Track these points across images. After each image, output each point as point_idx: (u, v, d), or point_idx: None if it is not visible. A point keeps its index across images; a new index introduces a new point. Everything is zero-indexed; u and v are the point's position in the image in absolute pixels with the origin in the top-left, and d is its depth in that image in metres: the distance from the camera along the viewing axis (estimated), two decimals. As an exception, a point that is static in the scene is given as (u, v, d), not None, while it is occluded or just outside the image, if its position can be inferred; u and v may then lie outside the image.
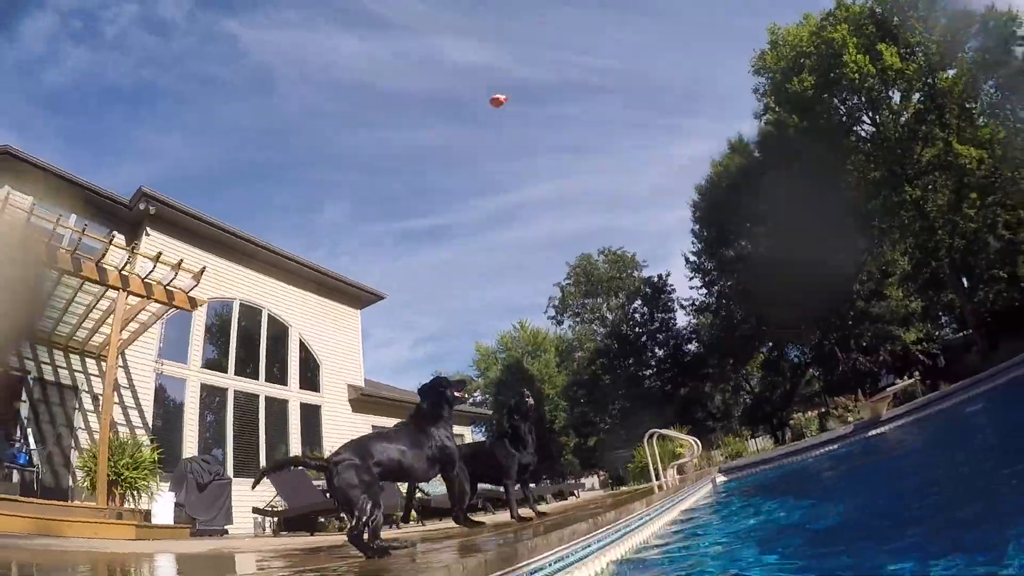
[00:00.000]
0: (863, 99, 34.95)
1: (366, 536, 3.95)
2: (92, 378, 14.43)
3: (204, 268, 13.05)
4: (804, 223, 39.97)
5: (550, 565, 4.64)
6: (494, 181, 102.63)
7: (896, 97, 34.55)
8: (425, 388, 5.63)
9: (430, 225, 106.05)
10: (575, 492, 19.86)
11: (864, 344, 39.76)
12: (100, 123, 63.01)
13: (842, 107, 35.94)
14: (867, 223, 36.03)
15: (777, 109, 37.32)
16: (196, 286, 12.90)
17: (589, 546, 5.41)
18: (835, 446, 20.69)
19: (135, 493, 11.83)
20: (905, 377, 29.21)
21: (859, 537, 6.00)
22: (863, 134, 36.54)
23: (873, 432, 20.23)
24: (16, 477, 11.74)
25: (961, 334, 38.50)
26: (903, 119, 34.23)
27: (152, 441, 13.36)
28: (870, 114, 35.62)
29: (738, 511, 11.88)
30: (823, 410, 30.51)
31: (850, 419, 24.15)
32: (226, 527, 13.07)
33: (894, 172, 33.80)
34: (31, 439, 12.76)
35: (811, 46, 34.75)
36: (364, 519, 3.96)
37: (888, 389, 24.58)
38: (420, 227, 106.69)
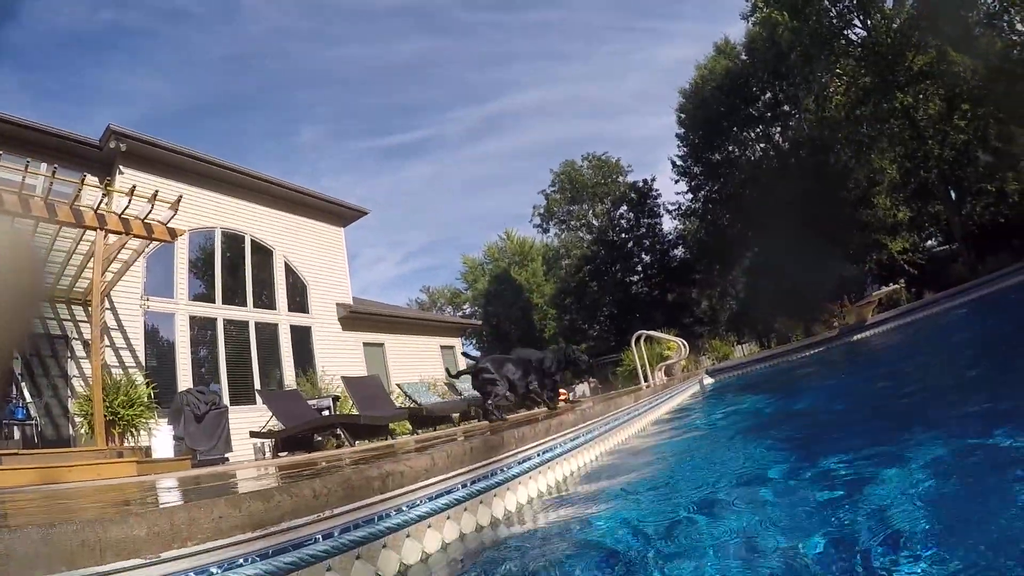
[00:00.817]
0: (855, 1, 34.20)
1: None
2: (81, 325, 14.32)
3: (181, 196, 12.88)
4: (791, 128, 39.98)
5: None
6: (474, 91, 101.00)
7: (889, 1, 33.86)
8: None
9: (412, 139, 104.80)
10: (568, 396, 20.09)
11: (851, 252, 39.80)
12: (66, 73, 61.11)
13: (833, 9, 35.03)
14: (856, 130, 35.74)
15: (766, 9, 36.06)
16: (174, 215, 12.75)
17: (576, 438, 5.57)
18: (820, 348, 21.15)
19: (134, 431, 11.95)
20: (891, 284, 29.60)
21: (836, 426, 6.20)
22: (854, 38, 35.75)
23: (858, 336, 20.67)
24: (17, 433, 11.82)
25: (947, 246, 38.37)
26: (896, 24, 33.46)
27: (146, 378, 13.44)
28: (862, 17, 34.85)
29: (724, 408, 12.13)
30: (809, 317, 30.83)
31: (836, 324, 24.50)
32: (226, 455, 13.21)
33: (885, 79, 33.17)
34: (26, 393, 12.82)
35: None
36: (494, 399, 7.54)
37: (873, 294, 24.95)
38: (402, 142, 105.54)
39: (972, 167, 33.14)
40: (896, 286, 27.72)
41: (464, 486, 3.44)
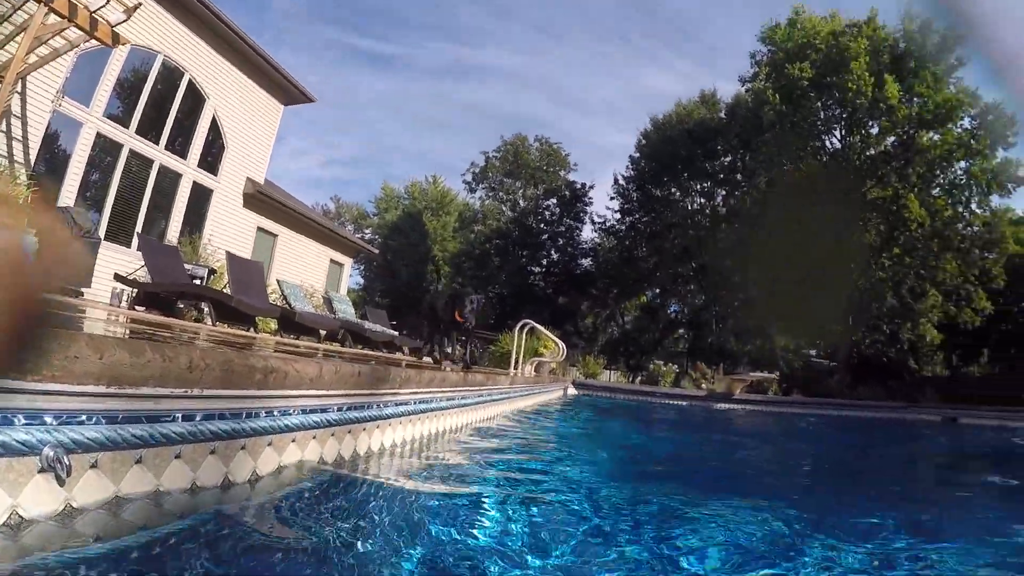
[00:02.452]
0: (844, 114, 35.06)
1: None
2: (-20, 97, 13.28)
3: (140, 3, 12.11)
4: (738, 195, 40.76)
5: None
6: (462, 32, 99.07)
7: (875, 130, 34.68)
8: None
9: (382, 51, 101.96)
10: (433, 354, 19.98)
11: (739, 330, 41.09)
12: None
13: (822, 112, 35.96)
14: (793, 219, 36.57)
15: (765, 84, 36.81)
16: (125, 21, 11.96)
17: (453, 399, 5.35)
18: (683, 402, 21.69)
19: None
20: (766, 372, 30.58)
21: (666, 475, 6.24)
22: (828, 146, 37.05)
23: (721, 404, 21.23)
24: None
25: (827, 361, 39.75)
26: (869, 152, 34.78)
27: (30, 179, 12.55)
28: (844, 131, 35.96)
29: (580, 419, 12.18)
30: (683, 369, 31.54)
31: (704, 385, 25.12)
32: (82, 289, 12.49)
33: (838, 193, 34.17)
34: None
35: (825, 43, 34.24)
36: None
37: (750, 374, 25.77)
38: (371, 49, 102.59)
39: (879, 303, 34.37)
40: (771, 376, 28.65)
41: (339, 409, 3.15)
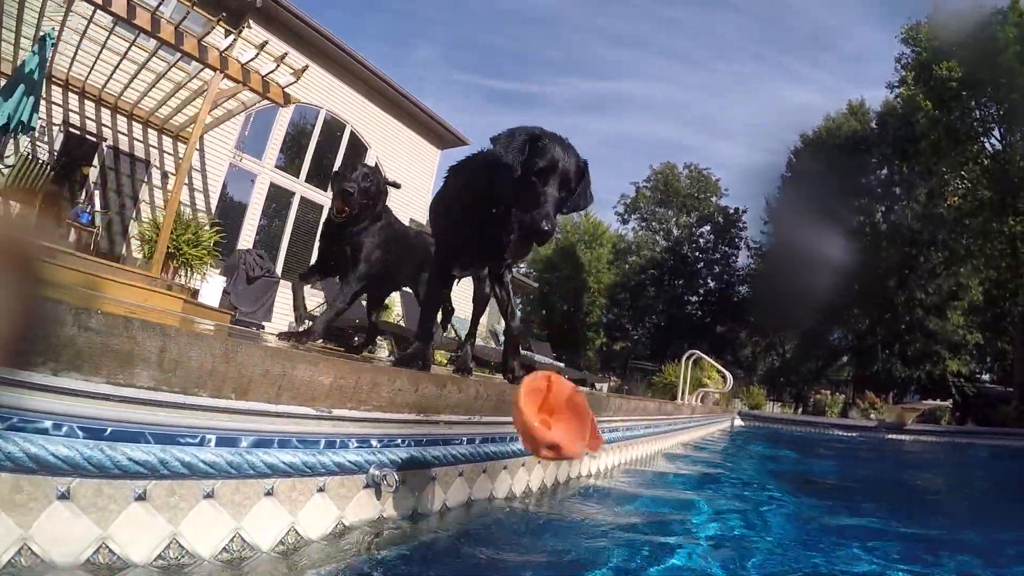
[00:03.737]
0: (1002, 112, 32.18)
1: None
2: (166, 155, 14.51)
3: (307, 66, 12.84)
4: (895, 214, 38.88)
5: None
6: (595, 65, 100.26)
7: None
8: None
9: (521, 90, 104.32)
10: (594, 385, 19.98)
11: (909, 354, 38.89)
12: None
13: (977, 111, 33.18)
14: (958, 238, 34.60)
15: (914, 89, 34.14)
16: (294, 83, 12.71)
17: (646, 427, 5.41)
18: (854, 433, 20.74)
19: (188, 270, 11.99)
20: (939, 400, 28.90)
21: (844, 513, 5.99)
22: (988, 148, 33.83)
23: (892, 436, 20.25)
24: (73, 236, 11.93)
25: (1002, 387, 36.90)
26: None
27: (213, 225, 13.53)
28: (1003, 130, 33.01)
29: (752, 451, 11.91)
30: (850, 398, 30.20)
31: (873, 416, 24.08)
32: (264, 323, 13.26)
33: (1003, 199, 31.40)
34: (96, 202, 12.97)
35: (971, 37, 31.38)
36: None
37: (922, 403, 24.53)
38: (510, 90, 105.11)
39: None
40: (944, 404, 27.15)
41: None
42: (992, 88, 30.94)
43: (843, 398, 30.73)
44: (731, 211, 53.22)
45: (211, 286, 12.17)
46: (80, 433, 1.28)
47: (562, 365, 16.39)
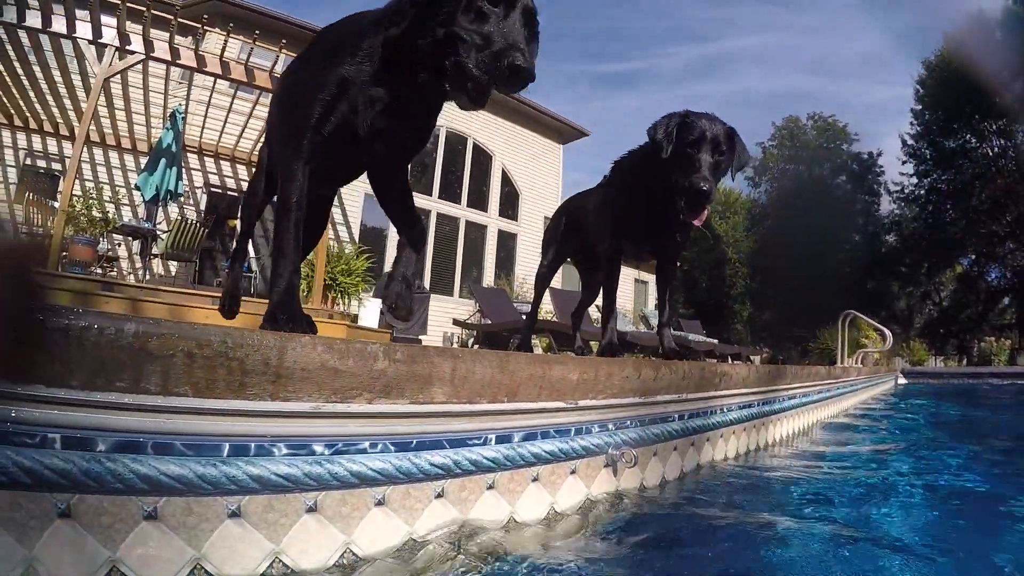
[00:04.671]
0: None
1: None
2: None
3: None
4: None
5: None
6: (693, 28, 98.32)
7: None
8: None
9: (627, 69, 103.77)
10: (751, 358, 19.81)
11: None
12: None
13: None
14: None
15: None
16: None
17: (819, 392, 5.55)
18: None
19: (346, 298, 12.67)
20: None
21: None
22: None
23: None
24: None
25: None
26: None
27: (362, 253, 14.25)
28: None
29: (920, 410, 11.58)
30: (1015, 345, 28.53)
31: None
32: (420, 337, 13.85)
33: None
34: (251, 249, 13.91)
35: None
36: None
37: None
38: (616, 70, 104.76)
39: None
40: None
41: (758, 404, 3.60)
42: None
43: (1010, 343, 29.19)
44: (865, 156, 50.60)
45: (368, 309, 12.81)
46: (392, 448, 1.59)
47: (715, 342, 16.37)
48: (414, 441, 1.63)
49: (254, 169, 3.15)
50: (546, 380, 1.94)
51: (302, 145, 2.20)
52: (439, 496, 1.68)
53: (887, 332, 16.61)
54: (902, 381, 19.25)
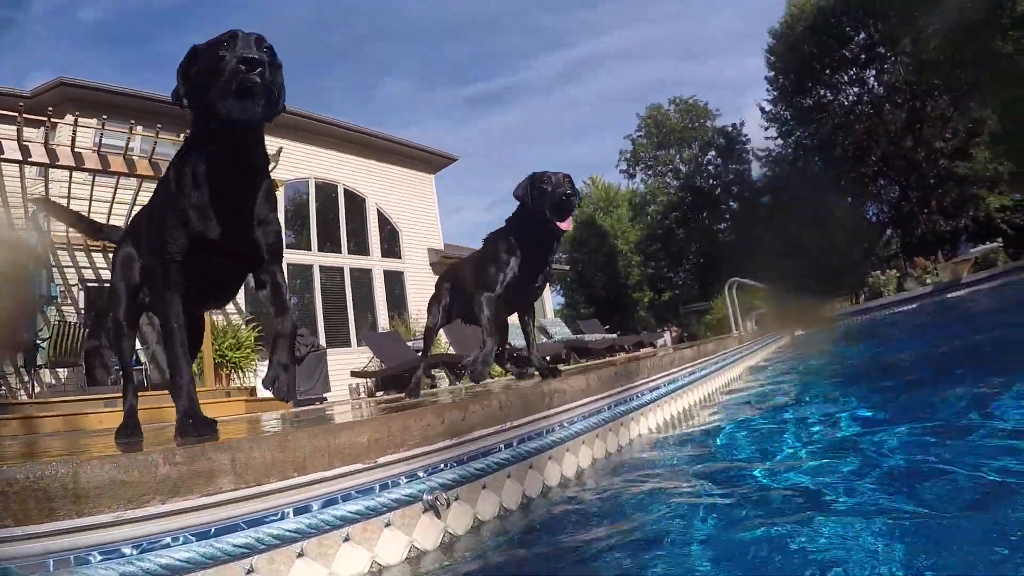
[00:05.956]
0: None
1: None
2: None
3: (280, 149, 13.24)
4: (886, 71, 38.19)
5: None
6: (556, 37, 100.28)
7: None
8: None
9: (495, 87, 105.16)
10: (654, 343, 20.19)
11: (946, 206, 38.26)
12: (150, 43, 63.72)
13: None
14: (955, 74, 33.96)
15: None
16: (275, 167, 13.09)
17: (694, 373, 5.67)
18: (913, 305, 20.68)
19: (240, 372, 12.45)
20: (988, 243, 28.54)
21: (918, 384, 6.08)
22: None
23: (952, 294, 20.16)
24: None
25: None
26: None
27: (249, 323, 14.00)
28: None
29: (815, 358, 12.01)
30: (902, 271, 29.82)
31: (928, 280, 23.94)
32: (324, 395, 13.68)
33: (989, 18, 30.99)
34: (136, 341, 13.51)
35: None
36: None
37: (971, 251, 24.32)
38: (486, 90, 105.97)
39: None
40: (994, 245, 26.86)
41: (609, 408, 3.66)
42: None
43: (895, 273, 30.42)
44: (729, 129, 52.63)
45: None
46: (193, 538, 1.70)
47: (615, 336, 16.68)
48: (212, 529, 1.74)
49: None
50: (334, 448, 2.00)
51: (167, 275, 2.40)
52: (249, 572, 1.77)
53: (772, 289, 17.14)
54: (799, 332, 19.83)
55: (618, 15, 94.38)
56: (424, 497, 2.15)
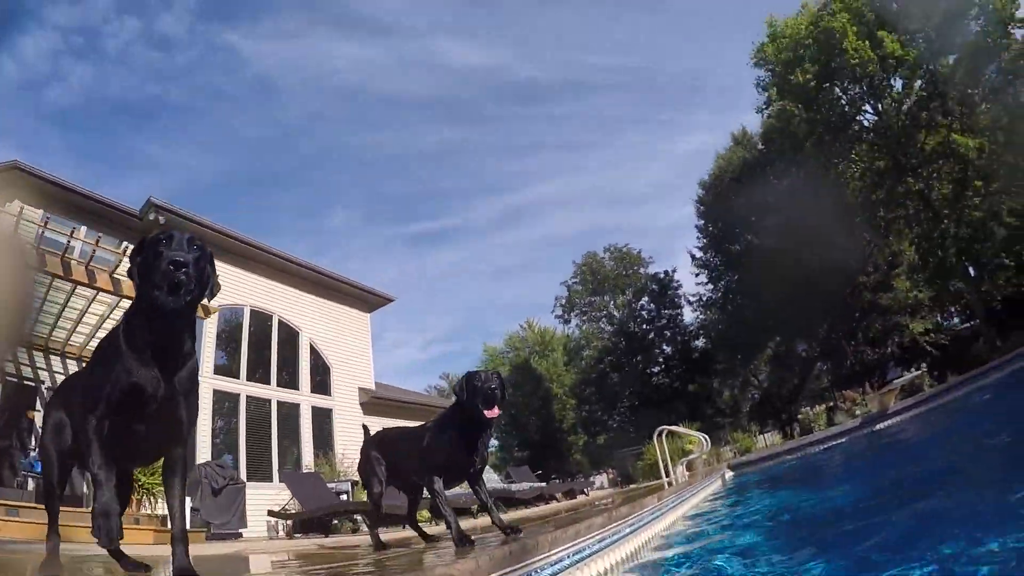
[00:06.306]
0: (865, 88, 34.47)
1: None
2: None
3: (219, 286, 13.13)
4: (809, 215, 39.96)
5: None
6: (500, 181, 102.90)
7: (898, 85, 34.07)
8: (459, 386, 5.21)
9: (438, 227, 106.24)
10: (585, 490, 19.97)
11: (872, 336, 39.61)
12: (109, 137, 63.93)
13: (844, 97, 35.53)
14: (873, 214, 35.83)
15: (780, 101, 36.42)
16: (214, 298, 12.97)
17: (604, 539, 5.55)
18: (843, 439, 20.88)
19: (151, 498, 11.96)
20: (913, 369, 29.32)
21: (858, 527, 6.13)
22: (866, 123, 36.28)
23: (881, 425, 20.42)
24: (31, 484, 11.85)
25: (969, 324, 37.97)
26: (905, 107, 33.74)
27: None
28: (872, 103, 35.25)
29: (745, 507, 11.99)
30: (831, 404, 30.35)
31: (858, 412, 24.32)
32: (240, 531, 13.17)
33: (898, 161, 33.49)
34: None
35: (810, 36, 34.03)
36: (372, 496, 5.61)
37: (895, 382, 24.78)
38: (428, 229, 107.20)
39: (989, 242, 32.67)
40: (918, 372, 27.51)
41: None
42: (847, 71, 33.26)
43: (824, 407, 30.86)
44: (662, 275, 54.28)
45: (177, 509, 12.04)
46: None
47: (543, 484, 16.50)
48: None
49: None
50: None
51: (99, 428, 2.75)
52: None
53: (703, 437, 17.17)
54: (729, 475, 19.78)
55: (553, 164, 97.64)
56: None
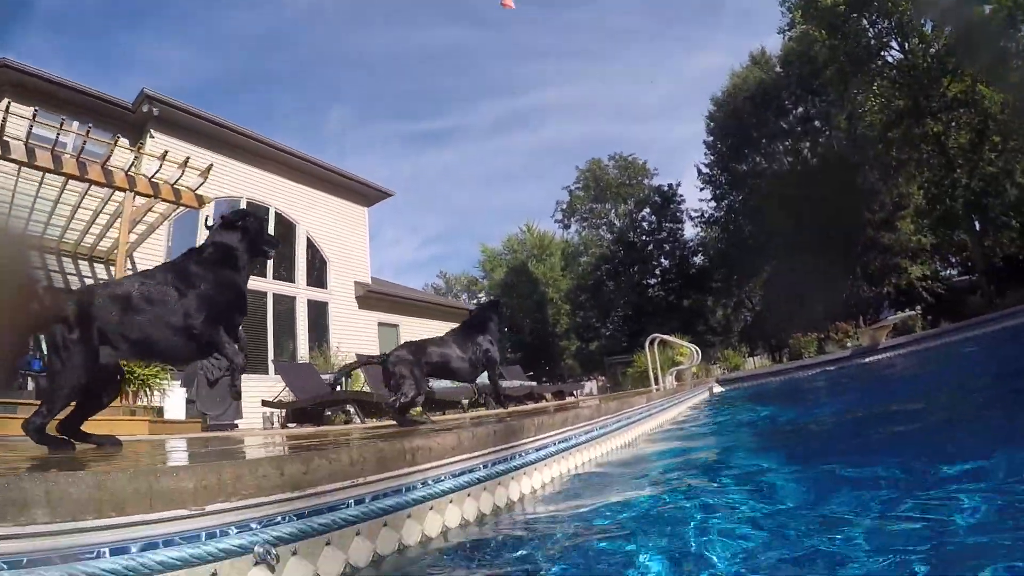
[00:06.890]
0: (894, 23, 33.66)
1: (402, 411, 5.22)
2: (99, 282, 14.51)
3: (211, 164, 13.06)
4: (821, 144, 39.70)
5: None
6: (503, 84, 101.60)
7: (928, 26, 33.24)
8: (481, 305, 6.72)
9: (439, 127, 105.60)
10: (574, 393, 20.23)
11: (871, 272, 39.76)
12: (102, 40, 62.29)
13: (871, 29, 34.57)
14: (887, 151, 35.46)
15: (804, 24, 35.49)
16: (203, 183, 12.93)
17: (591, 432, 5.66)
18: (831, 368, 21.15)
19: (147, 390, 12.10)
20: (907, 310, 29.52)
21: (836, 443, 6.25)
22: (890, 60, 35.49)
23: (870, 358, 20.67)
24: (31, 384, 11.95)
25: (968, 277, 38.25)
26: (933, 50, 33.07)
27: (162, 339, 13.63)
28: (899, 40, 34.45)
29: (731, 416, 12.19)
30: (823, 334, 30.62)
31: (848, 344, 24.56)
32: (236, 422, 13.37)
33: (918, 103, 32.97)
34: (43, 346, 13.06)
35: None
36: (403, 399, 5.16)
37: (889, 319, 25.05)
38: (428, 128, 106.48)
39: (999, 199, 32.86)
40: (912, 313, 27.74)
41: (485, 467, 3.56)
42: (878, 4, 32.38)
43: (816, 335, 31.16)
44: (665, 188, 54.04)
45: (174, 399, 12.23)
46: (4, 567, 1.64)
47: (533, 384, 16.70)
48: (24, 559, 1.68)
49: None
50: (156, 492, 1.93)
51: None
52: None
53: (694, 348, 17.36)
54: (718, 389, 20.11)
55: (560, 71, 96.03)
56: (255, 549, 2.07)
